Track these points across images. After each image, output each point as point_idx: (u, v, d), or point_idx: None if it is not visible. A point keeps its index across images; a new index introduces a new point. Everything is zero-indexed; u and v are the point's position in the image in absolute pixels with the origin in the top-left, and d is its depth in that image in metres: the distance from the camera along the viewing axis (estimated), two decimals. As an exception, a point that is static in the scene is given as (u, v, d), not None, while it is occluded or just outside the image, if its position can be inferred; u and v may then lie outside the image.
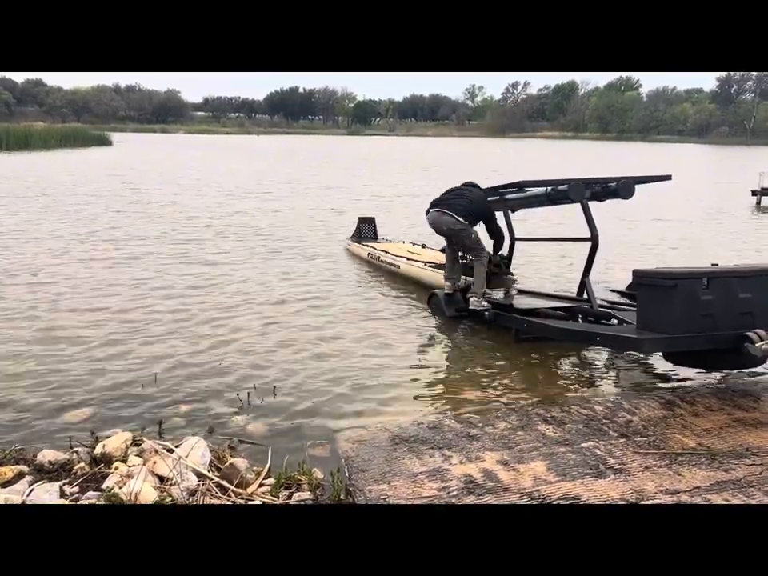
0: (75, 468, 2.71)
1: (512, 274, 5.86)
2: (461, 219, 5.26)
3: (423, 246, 7.62)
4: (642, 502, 2.45)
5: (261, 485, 2.67)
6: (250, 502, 2.51)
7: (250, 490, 2.60)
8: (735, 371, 4.03)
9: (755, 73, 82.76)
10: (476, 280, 5.35)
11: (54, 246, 8.16)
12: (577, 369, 4.43)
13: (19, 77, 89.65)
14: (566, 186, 4.90)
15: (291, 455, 2.95)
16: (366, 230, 8.89)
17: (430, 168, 26.03)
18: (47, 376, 3.93)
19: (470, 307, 5.26)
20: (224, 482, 2.62)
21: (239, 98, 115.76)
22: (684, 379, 4.09)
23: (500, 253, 5.81)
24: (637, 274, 3.75)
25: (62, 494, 2.49)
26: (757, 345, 3.35)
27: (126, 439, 2.92)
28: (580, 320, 4.93)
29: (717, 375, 4.07)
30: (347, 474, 2.68)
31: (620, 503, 2.44)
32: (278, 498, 2.56)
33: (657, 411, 3.43)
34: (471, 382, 4.08)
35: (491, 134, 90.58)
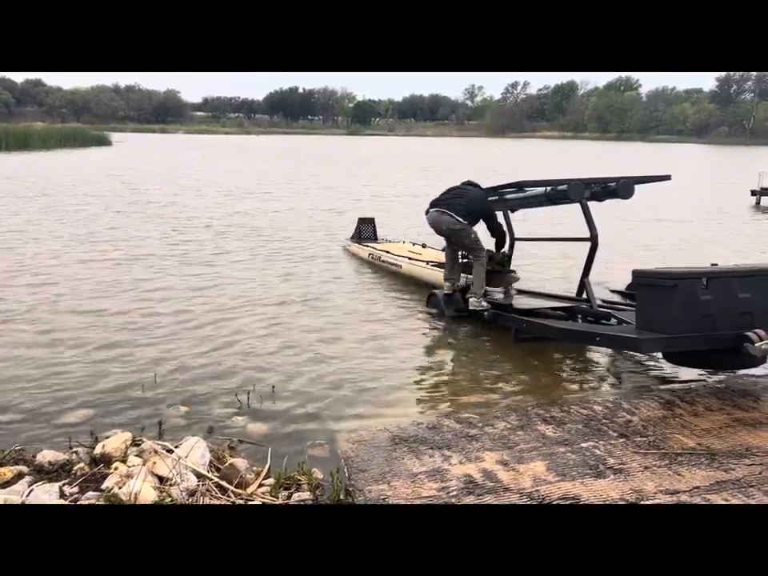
0: (75, 468, 2.71)
1: (514, 272, 5.86)
2: (460, 219, 5.26)
3: (424, 246, 7.62)
4: (642, 502, 2.45)
5: (260, 485, 2.67)
6: (249, 503, 2.51)
7: (249, 490, 2.60)
8: (735, 371, 4.03)
9: (755, 73, 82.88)
10: (475, 280, 5.35)
11: (54, 246, 8.16)
12: (576, 369, 4.42)
13: (19, 77, 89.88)
14: (565, 186, 4.91)
15: (291, 455, 2.95)
16: (365, 230, 8.87)
17: (430, 168, 26.02)
18: (47, 377, 3.92)
19: (470, 307, 5.25)
20: (224, 483, 2.61)
21: (239, 98, 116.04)
22: (684, 379, 4.09)
23: (503, 251, 5.81)
24: (636, 274, 3.75)
25: (62, 495, 2.48)
26: (756, 345, 3.35)
27: (125, 439, 2.91)
28: (579, 320, 4.92)
29: (716, 375, 4.07)
30: (347, 474, 2.68)
31: (620, 503, 2.44)
32: (277, 498, 2.56)
33: (656, 411, 3.43)
34: (471, 383, 4.08)
35: (491, 134, 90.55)
